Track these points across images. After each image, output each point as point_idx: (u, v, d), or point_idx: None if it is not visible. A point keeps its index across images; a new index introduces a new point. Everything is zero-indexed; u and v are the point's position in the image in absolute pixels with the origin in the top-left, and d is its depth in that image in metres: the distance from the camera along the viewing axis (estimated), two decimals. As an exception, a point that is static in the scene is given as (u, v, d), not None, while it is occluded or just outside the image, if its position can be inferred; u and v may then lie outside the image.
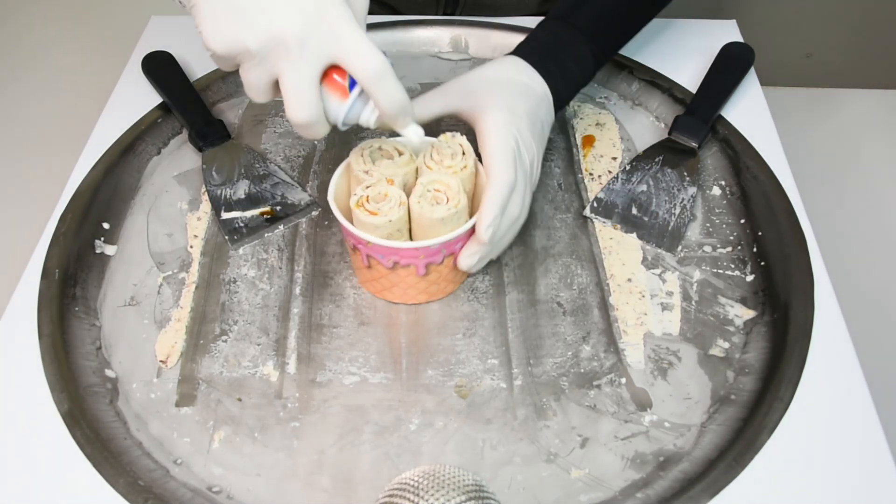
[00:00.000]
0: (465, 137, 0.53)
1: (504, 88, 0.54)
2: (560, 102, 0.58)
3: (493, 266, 0.56)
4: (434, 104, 0.55)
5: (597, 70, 0.61)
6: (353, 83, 0.44)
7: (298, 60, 0.42)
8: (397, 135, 0.48)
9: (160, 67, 0.70)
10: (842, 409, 0.47)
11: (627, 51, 0.70)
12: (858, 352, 0.49)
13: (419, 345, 0.52)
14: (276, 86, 0.44)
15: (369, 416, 0.48)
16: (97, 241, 0.58)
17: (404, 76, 0.73)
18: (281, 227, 0.60)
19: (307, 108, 0.43)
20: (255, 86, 0.44)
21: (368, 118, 0.47)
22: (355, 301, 0.55)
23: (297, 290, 0.56)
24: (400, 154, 0.52)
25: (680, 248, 0.58)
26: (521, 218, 0.53)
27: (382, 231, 0.48)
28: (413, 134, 0.48)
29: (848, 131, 0.92)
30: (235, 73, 0.71)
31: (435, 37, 0.75)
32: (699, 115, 0.64)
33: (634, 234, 0.59)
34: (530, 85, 0.56)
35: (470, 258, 0.51)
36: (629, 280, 0.56)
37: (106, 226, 0.59)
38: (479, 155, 0.52)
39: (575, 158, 0.65)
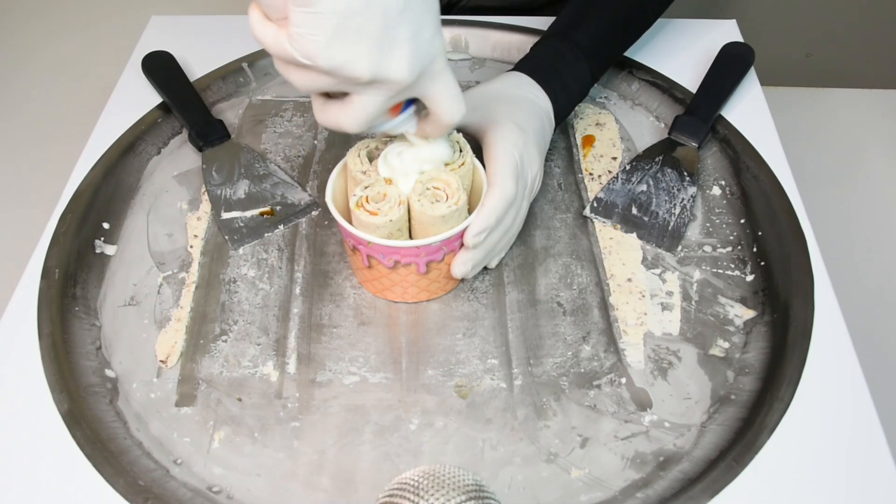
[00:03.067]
0: (461, 135, 0.53)
1: (511, 103, 0.55)
2: (559, 118, 0.59)
3: (493, 267, 0.56)
4: None
5: (592, 85, 0.63)
6: (407, 104, 0.46)
7: (385, 96, 0.41)
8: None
9: (160, 67, 0.70)
10: (842, 409, 0.47)
11: (628, 51, 0.70)
12: (858, 352, 0.49)
13: (419, 345, 0.52)
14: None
15: (369, 416, 0.48)
16: (97, 241, 0.58)
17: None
18: (281, 227, 0.60)
19: (360, 127, 0.43)
20: (312, 88, 0.41)
21: (399, 131, 0.48)
22: (355, 301, 0.55)
23: (297, 290, 0.56)
24: None
25: (680, 247, 0.58)
26: (513, 228, 0.54)
27: (383, 231, 0.48)
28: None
29: (848, 131, 0.92)
30: (236, 73, 0.72)
31: (435, 37, 0.75)
32: (699, 115, 0.64)
33: (634, 234, 0.59)
34: (535, 101, 0.56)
35: (463, 266, 0.51)
36: (629, 280, 0.56)
37: (106, 226, 0.59)
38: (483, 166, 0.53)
39: (575, 158, 0.65)
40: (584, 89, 0.62)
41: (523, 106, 0.55)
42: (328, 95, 0.44)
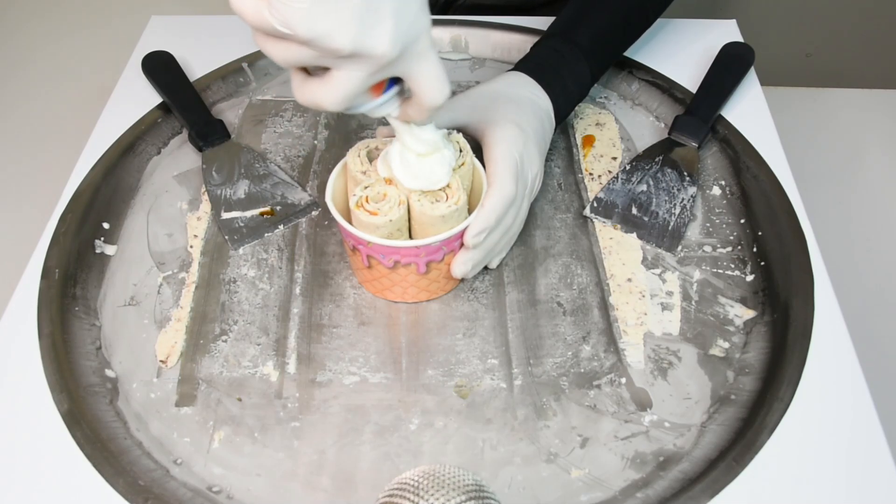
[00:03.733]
0: (461, 135, 0.53)
1: (511, 103, 0.55)
2: (559, 117, 0.59)
3: (493, 267, 0.56)
4: (441, 118, 0.55)
5: (592, 85, 0.63)
6: (390, 85, 0.44)
7: (366, 72, 0.40)
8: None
9: (160, 67, 0.70)
10: (842, 409, 0.47)
11: (628, 50, 0.70)
12: (858, 352, 0.49)
13: (419, 345, 0.52)
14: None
15: (369, 416, 0.48)
16: (97, 241, 0.58)
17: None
18: (281, 227, 0.60)
19: (339, 104, 0.42)
20: (291, 62, 0.40)
21: (381, 113, 0.46)
22: (355, 301, 0.55)
23: (297, 290, 0.56)
24: None
25: (680, 247, 0.58)
26: (514, 228, 0.54)
27: (383, 231, 0.48)
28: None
29: (848, 131, 0.92)
30: (236, 73, 0.72)
31: (435, 37, 0.74)
32: (699, 115, 0.64)
33: (634, 234, 0.59)
34: (535, 101, 0.56)
35: (463, 266, 0.51)
36: (629, 280, 0.56)
37: (106, 226, 0.59)
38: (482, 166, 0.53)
39: (575, 158, 0.65)
40: (585, 89, 0.62)
41: (523, 106, 0.55)
42: (308, 73, 0.43)
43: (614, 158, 0.65)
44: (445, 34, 0.75)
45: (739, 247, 0.58)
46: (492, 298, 0.55)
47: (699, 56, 0.71)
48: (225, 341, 0.53)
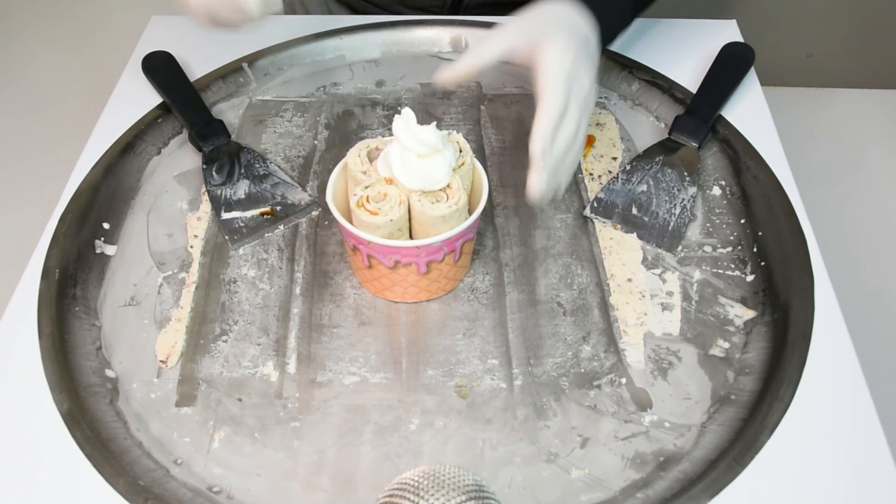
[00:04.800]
0: (461, 135, 0.53)
1: (559, 23, 0.53)
2: (604, 43, 0.57)
3: (493, 266, 0.57)
4: (489, 44, 0.53)
5: (634, 17, 0.61)
6: None
7: None
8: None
9: (160, 67, 0.70)
10: (842, 409, 0.47)
11: (627, 51, 0.70)
12: (858, 352, 0.49)
13: (419, 345, 0.52)
14: None
15: (369, 416, 0.48)
16: (97, 241, 0.58)
17: (404, 76, 0.73)
18: (281, 227, 0.60)
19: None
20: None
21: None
22: (355, 301, 0.55)
23: (297, 290, 0.56)
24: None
25: (680, 248, 0.58)
26: (577, 143, 0.52)
27: (383, 231, 0.48)
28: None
29: (848, 131, 0.92)
30: (236, 73, 0.72)
31: (435, 37, 0.75)
32: (699, 115, 0.64)
33: (634, 234, 0.59)
34: (580, 23, 0.55)
35: (538, 185, 0.49)
36: (629, 280, 0.56)
37: (106, 226, 0.59)
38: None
39: (575, 158, 0.65)
40: (626, 16, 0.60)
41: (569, 26, 0.54)
42: None
43: (614, 158, 0.65)
44: (446, 34, 0.75)
45: (739, 247, 0.58)
46: (492, 298, 0.55)
47: (699, 56, 0.71)
48: (225, 341, 0.53)
